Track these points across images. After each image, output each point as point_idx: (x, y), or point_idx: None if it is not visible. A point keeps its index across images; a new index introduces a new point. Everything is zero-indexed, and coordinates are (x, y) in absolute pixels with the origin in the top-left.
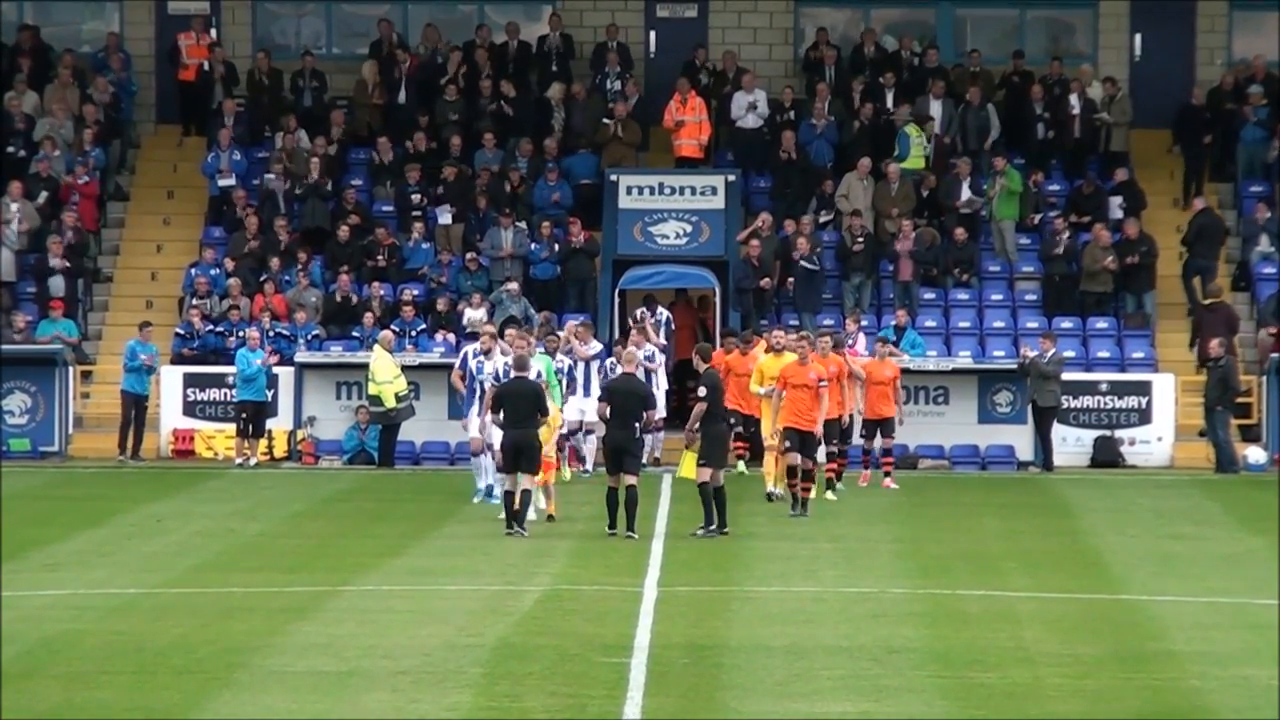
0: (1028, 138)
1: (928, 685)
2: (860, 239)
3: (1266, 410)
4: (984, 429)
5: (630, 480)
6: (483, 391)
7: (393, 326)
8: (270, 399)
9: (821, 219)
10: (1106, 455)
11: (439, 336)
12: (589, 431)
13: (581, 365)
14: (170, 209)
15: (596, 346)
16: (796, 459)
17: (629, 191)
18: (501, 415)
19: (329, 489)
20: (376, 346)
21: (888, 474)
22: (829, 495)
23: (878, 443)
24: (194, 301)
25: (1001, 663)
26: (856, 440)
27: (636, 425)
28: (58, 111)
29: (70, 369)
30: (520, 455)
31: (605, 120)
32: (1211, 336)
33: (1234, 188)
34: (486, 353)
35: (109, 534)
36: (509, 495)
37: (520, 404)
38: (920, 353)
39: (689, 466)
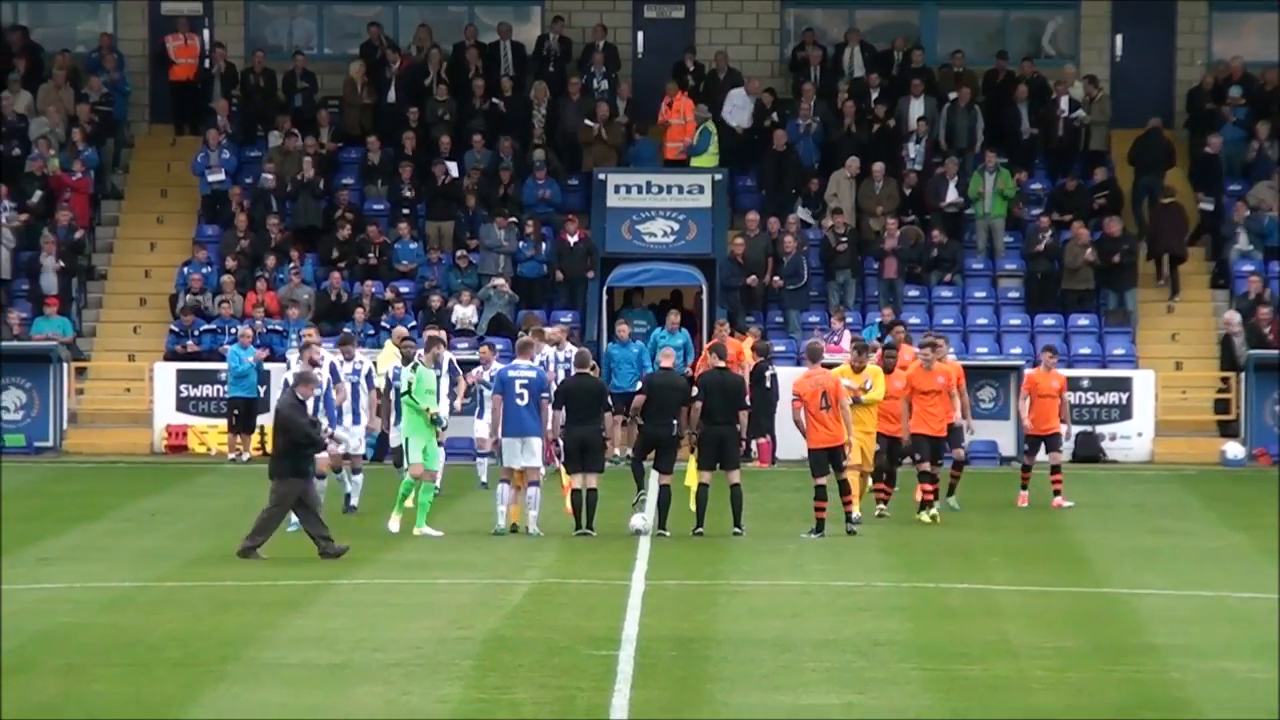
0: (1011, 137)
1: (912, 678)
2: (844, 237)
3: (1245, 406)
4: None
5: (665, 480)
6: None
7: (384, 323)
8: (262, 395)
9: (807, 217)
10: (1088, 451)
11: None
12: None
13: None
14: (164, 207)
15: (570, 349)
16: (821, 480)
17: (617, 190)
18: (565, 413)
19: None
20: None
21: (1057, 492)
22: (924, 516)
23: (1041, 456)
24: (187, 299)
25: (985, 655)
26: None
27: (674, 421)
28: (52, 111)
29: (65, 365)
30: (586, 452)
31: (588, 122)
32: (1170, 237)
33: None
34: (348, 359)
35: (104, 529)
36: (576, 494)
37: (584, 401)
38: None
39: (691, 474)
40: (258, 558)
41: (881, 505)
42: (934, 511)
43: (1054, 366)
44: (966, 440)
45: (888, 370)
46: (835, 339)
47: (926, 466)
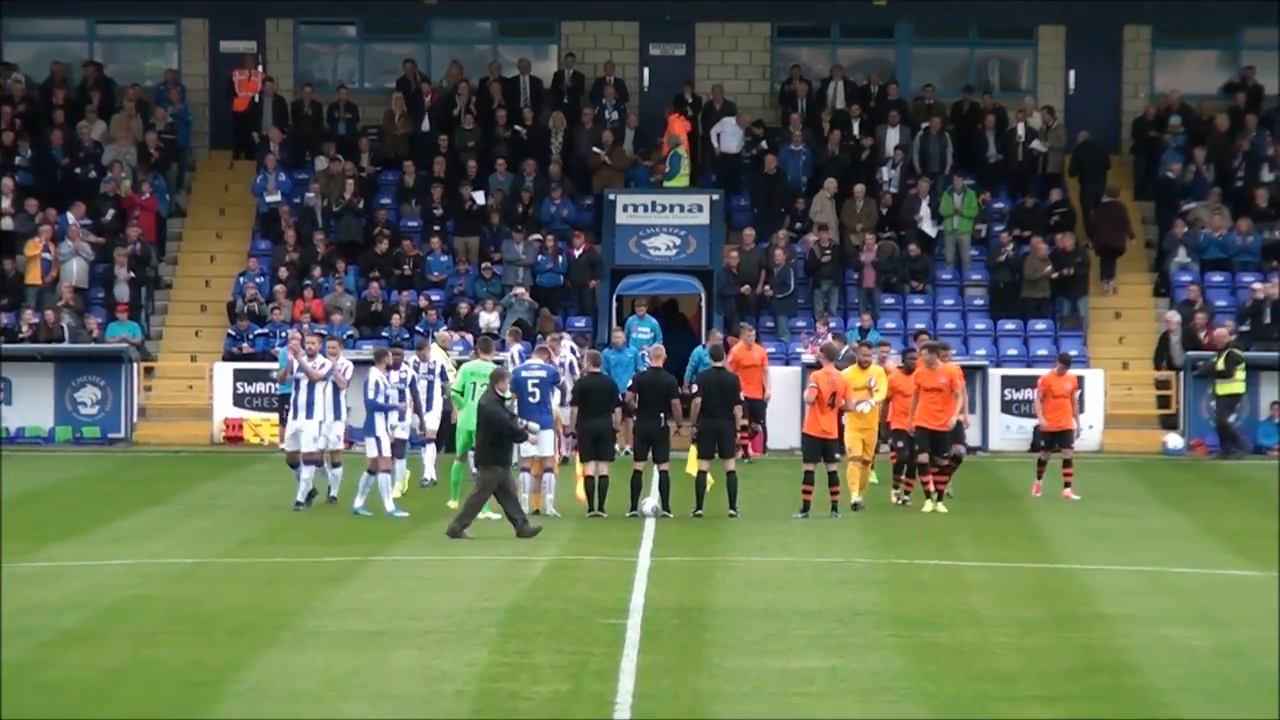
0: (977, 162)
1: (888, 644)
2: (828, 250)
3: (1183, 402)
4: None
5: (663, 467)
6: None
7: (416, 328)
8: None
9: (795, 232)
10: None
11: (457, 336)
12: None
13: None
14: (222, 224)
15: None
16: (810, 467)
17: (625, 209)
18: (580, 407)
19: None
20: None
21: (1068, 484)
22: (927, 507)
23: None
24: (242, 306)
25: (953, 624)
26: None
27: (663, 415)
28: (123, 138)
29: (135, 365)
30: (599, 442)
31: (595, 149)
32: (1109, 232)
33: (1154, 206)
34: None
35: (169, 511)
36: (589, 480)
37: (597, 397)
38: None
39: (692, 462)
40: (466, 538)
41: (905, 495)
42: (939, 504)
43: (1065, 371)
44: (965, 433)
45: (908, 372)
46: (819, 341)
47: (924, 458)
